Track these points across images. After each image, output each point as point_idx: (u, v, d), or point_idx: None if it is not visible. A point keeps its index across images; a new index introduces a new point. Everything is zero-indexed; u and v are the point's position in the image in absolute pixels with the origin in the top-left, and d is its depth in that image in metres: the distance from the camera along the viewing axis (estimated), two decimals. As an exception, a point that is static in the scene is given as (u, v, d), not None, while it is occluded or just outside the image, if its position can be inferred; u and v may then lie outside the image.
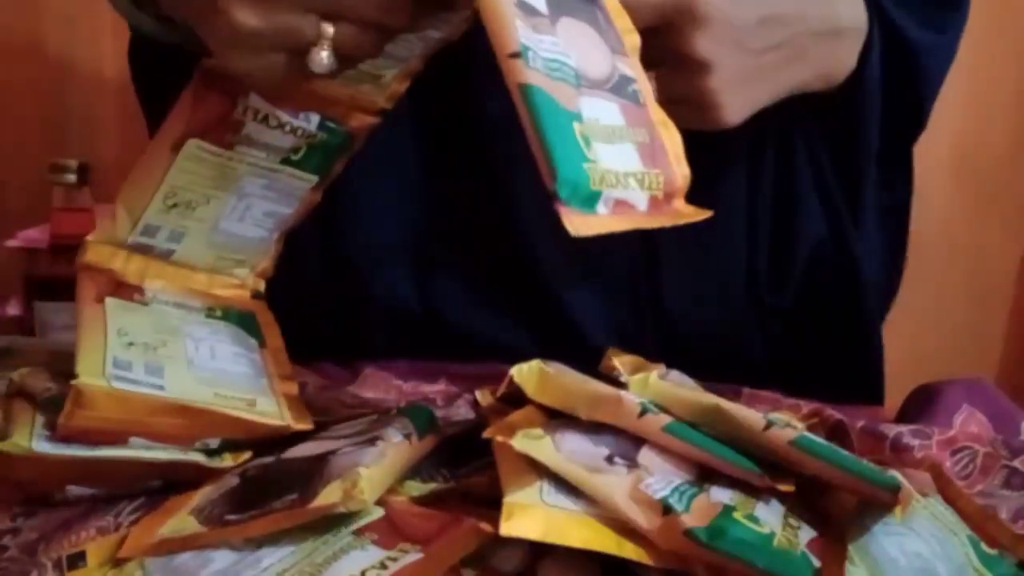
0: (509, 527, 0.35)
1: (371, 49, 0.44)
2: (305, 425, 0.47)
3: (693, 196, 0.48)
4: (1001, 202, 1.41)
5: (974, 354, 1.48)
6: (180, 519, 0.40)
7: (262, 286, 0.54)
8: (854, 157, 0.65)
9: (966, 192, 1.38)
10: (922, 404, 0.61)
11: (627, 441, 0.39)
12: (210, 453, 0.46)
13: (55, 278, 0.73)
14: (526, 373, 0.43)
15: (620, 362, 0.57)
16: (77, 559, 0.40)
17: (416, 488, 0.43)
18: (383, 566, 0.35)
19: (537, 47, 0.35)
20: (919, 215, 0.70)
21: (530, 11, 0.36)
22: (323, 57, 0.42)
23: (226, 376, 0.48)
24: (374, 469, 0.40)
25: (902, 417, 0.62)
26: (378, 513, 0.39)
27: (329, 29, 0.41)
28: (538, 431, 0.39)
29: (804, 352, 0.69)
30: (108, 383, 0.43)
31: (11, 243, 0.93)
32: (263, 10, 0.40)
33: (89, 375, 0.43)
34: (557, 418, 0.41)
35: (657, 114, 0.40)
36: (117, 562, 0.39)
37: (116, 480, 0.45)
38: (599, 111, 0.37)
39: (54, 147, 1.33)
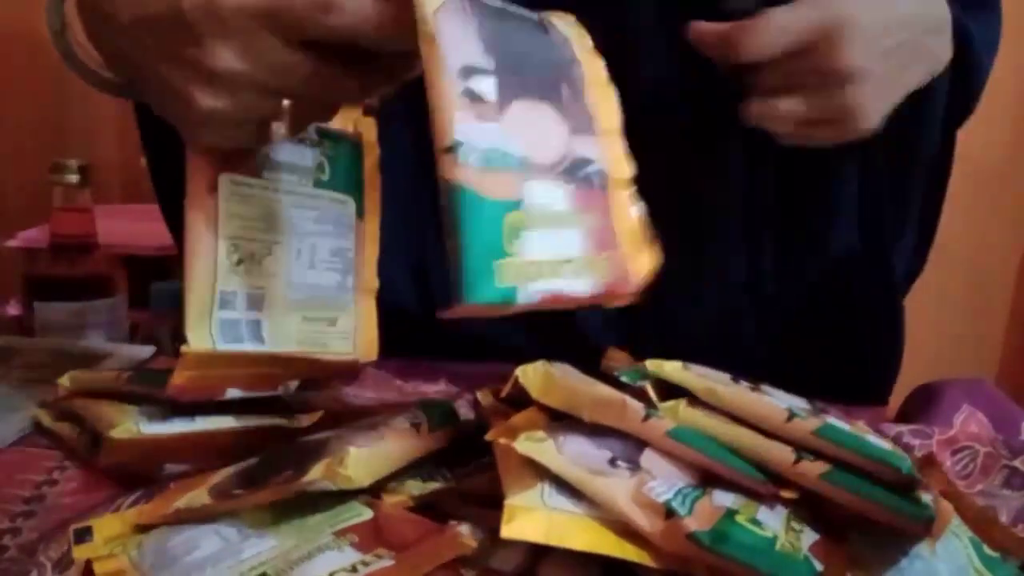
0: (510, 529, 0.35)
1: (325, 116, 0.46)
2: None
3: (691, 198, 0.49)
4: (1001, 202, 1.41)
5: (974, 354, 1.48)
6: (198, 493, 0.42)
7: (359, 356, 0.53)
8: (909, 163, 0.64)
9: (966, 192, 1.38)
10: (922, 404, 0.61)
11: (630, 444, 0.39)
12: (288, 413, 0.49)
13: (55, 278, 0.73)
14: (531, 374, 0.43)
15: (619, 361, 0.58)
16: (84, 534, 0.41)
17: (416, 488, 0.43)
18: (354, 569, 0.35)
19: (475, 139, 0.35)
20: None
21: (476, 98, 0.36)
22: (283, 129, 0.44)
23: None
24: (365, 450, 0.40)
25: (902, 417, 0.62)
26: (367, 515, 0.39)
27: (286, 103, 0.43)
28: (540, 434, 0.39)
29: (810, 353, 0.68)
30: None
31: (11, 243, 0.93)
32: (221, 94, 0.41)
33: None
34: (559, 420, 0.41)
35: (616, 198, 0.40)
36: (141, 528, 0.41)
37: (207, 453, 0.47)
38: (544, 197, 0.37)
39: (54, 147, 1.33)
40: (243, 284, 0.47)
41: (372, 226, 0.54)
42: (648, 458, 0.39)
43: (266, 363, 0.47)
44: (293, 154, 0.49)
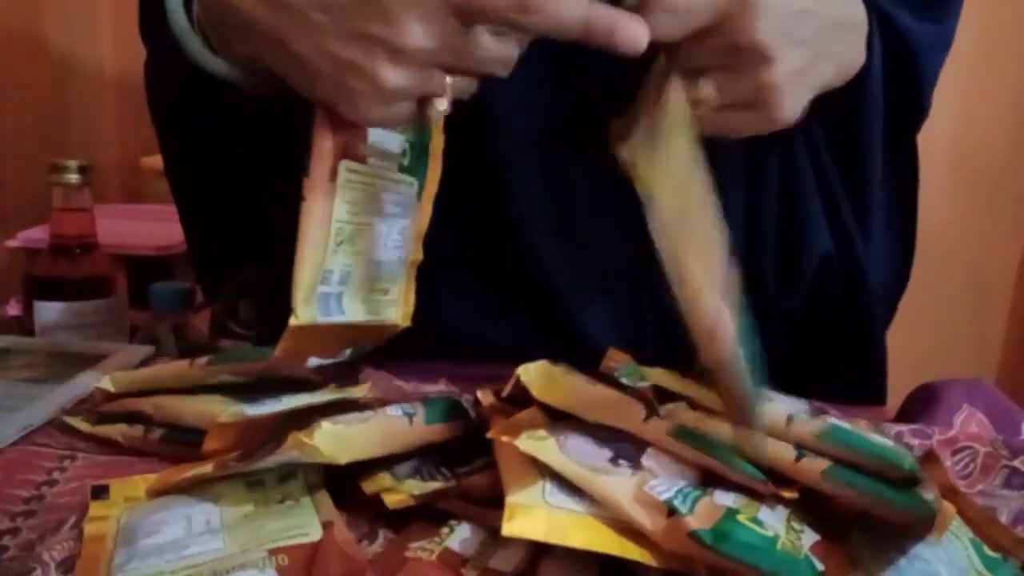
0: (511, 527, 0.35)
1: (475, 91, 0.48)
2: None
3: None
4: (1001, 202, 1.41)
5: (974, 354, 1.48)
6: (204, 466, 0.44)
7: (406, 322, 0.57)
8: (860, 162, 0.64)
9: (966, 192, 1.38)
10: (922, 404, 0.61)
11: (631, 444, 0.39)
12: (345, 383, 0.54)
13: (55, 278, 0.73)
14: (533, 373, 0.43)
15: (619, 362, 0.58)
16: (101, 491, 0.44)
17: (416, 487, 0.43)
18: None
19: None
20: (919, 215, 0.70)
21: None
22: (444, 105, 0.47)
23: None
24: (342, 427, 0.42)
25: (902, 417, 0.62)
26: (314, 535, 0.39)
27: (451, 80, 0.46)
28: (542, 432, 0.39)
29: (805, 354, 0.69)
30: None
31: (11, 243, 0.93)
32: (406, 70, 0.44)
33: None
34: (561, 419, 0.41)
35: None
36: (151, 494, 0.44)
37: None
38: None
39: (54, 147, 1.33)
40: (338, 263, 0.51)
41: (427, 205, 0.57)
42: (649, 458, 0.39)
43: (341, 332, 0.53)
44: (388, 140, 0.52)
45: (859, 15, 0.57)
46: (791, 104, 0.50)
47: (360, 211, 0.51)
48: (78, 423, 0.54)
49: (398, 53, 0.44)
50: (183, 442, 0.50)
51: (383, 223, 0.54)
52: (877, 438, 0.40)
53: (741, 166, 0.63)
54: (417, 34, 0.43)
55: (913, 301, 0.72)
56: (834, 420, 0.41)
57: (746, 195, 0.63)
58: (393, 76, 0.44)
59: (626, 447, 0.39)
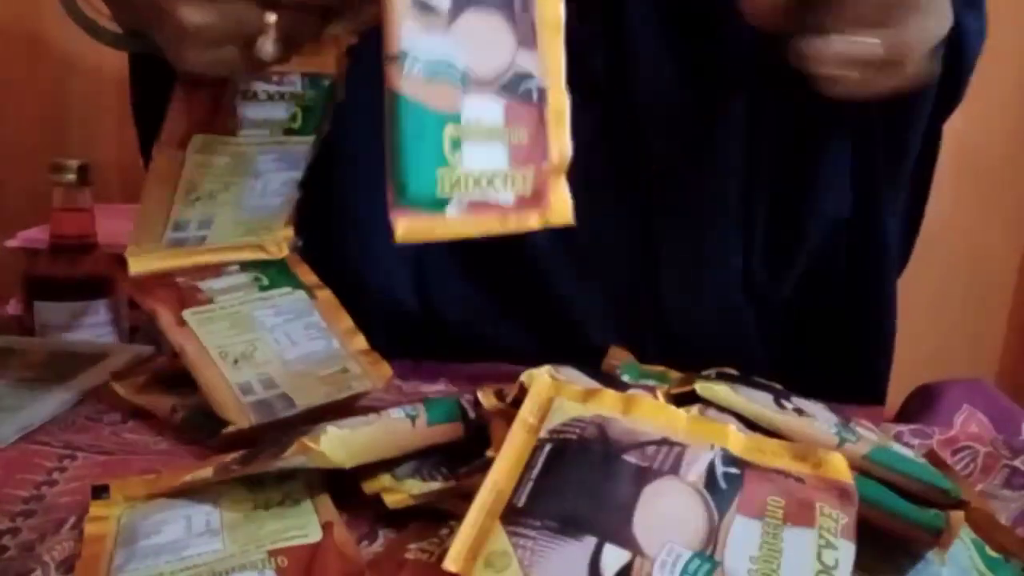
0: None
1: (313, 31, 0.45)
2: (387, 372, 0.57)
3: (690, 197, 0.48)
4: (1001, 202, 1.41)
5: (974, 354, 1.48)
6: (204, 469, 0.43)
7: (286, 250, 0.60)
8: (906, 133, 0.63)
9: (966, 192, 1.38)
10: (922, 404, 0.61)
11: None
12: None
13: (55, 278, 0.73)
14: (536, 379, 0.43)
15: (620, 360, 0.58)
16: (101, 491, 0.44)
17: (416, 487, 0.43)
18: None
19: (421, 50, 0.35)
20: (919, 215, 0.70)
21: (426, 9, 0.36)
22: (269, 45, 0.43)
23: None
24: (347, 431, 0.42)
25: (902, 417, 0.62)
26: (314, 537, 0.39)
27: (272, 17, 0.42)
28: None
29: (808, 351, 0.68)
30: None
31: (11, 243, 0.93)
32: (206, 5, 0.41)
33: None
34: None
35: (554, 106, 0.40)
36: (150, 497, 0.44)
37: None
38: (481, 112, 0.37)
39: (54, 147, 1.33)
40: (196, 213, 0.54)
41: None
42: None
43: (206, 255, 0.56)
44: (270, 110, 0.52)
45: None
46: (918, 62, 0.49)
47: (223, 173, 0.53)
48: (121, 387, 0.56)
49: None
50: (200, 428, 0.52)
51: (258, 180, 0.55)
52: (922, 461, 0.41)
53: (741, 114, 0.62)
54: None
55: (913, 301, 0.72)
56: (878, 441, 0.41)
57: (742, 186, 0.63)
58: (191, 13, 0.42)
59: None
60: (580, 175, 0.63)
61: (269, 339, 0.55)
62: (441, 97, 0.36)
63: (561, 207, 0.40)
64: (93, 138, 1.35)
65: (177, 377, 0.55)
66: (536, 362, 0.44)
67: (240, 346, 0.53)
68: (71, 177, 0.72)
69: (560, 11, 0.40)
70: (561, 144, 0.40)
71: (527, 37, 0.39)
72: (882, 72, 0.47)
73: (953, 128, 0.69)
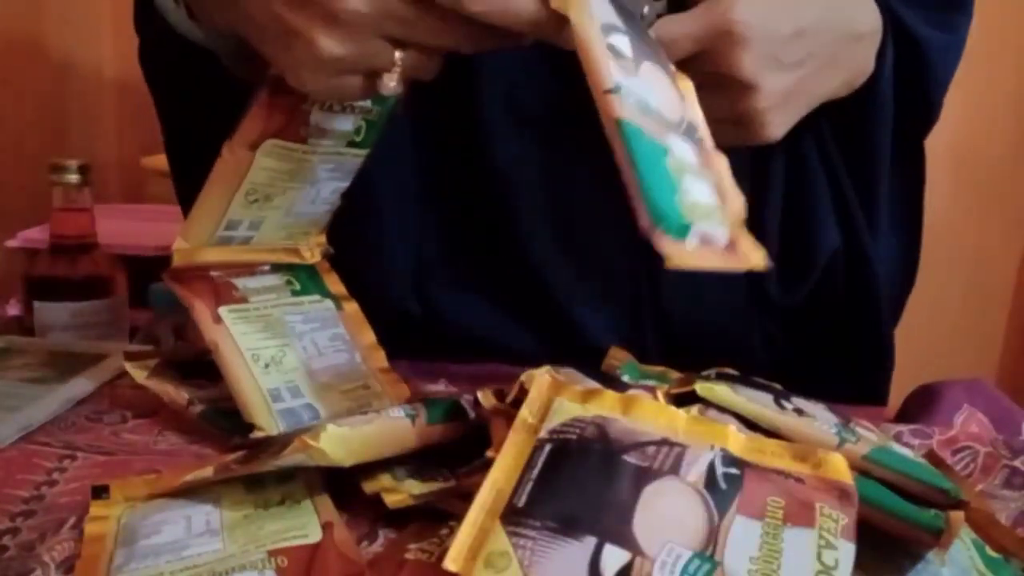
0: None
1: (434, 71, 0.46)
2: (405, 393, 0.57)
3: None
4: (1001, 202, 1.41)
5: (974, 354, 1.48)
6: (204, 470, 0.43)
7: (318, 256, 0.60)
8: (869, 161, 0.64)
9: (966, 192, 1.38)
10: (922, 404, 0.61)
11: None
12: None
13: (55, 278, 0.73)
14: (536, 379, 0.43)
15: (620, 361, 0.57)
16: (101, 491, 0.44)
17: (416, 487, 0.43)
18: None
19: (628, 86, 0.37)
20: (919, 215, 0.70)
21: (618, 54, 0.38)
22: (393, 81, 0.45)
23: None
24: (346, 429, 0.42)
25: (902, 417, 0.62)
26: (314, 537, 0.39)
27: (399, 55, 0.44)
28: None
29: (809, 353, 0.69)
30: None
31: (11, 243, 0.93)
32: (344, 38, 0.43)
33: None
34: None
35: (719, 162, 0.41)
36: (150, 497, 0.44)
37: None
38: (680, 150, 0.38)
39: (54, 147, 1.33)
40: (249, 214, 0.54)
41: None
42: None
43: (245, 254, 0.57)
44: (340, 122, 0.53)
45: (872, 23, 0.56)
46: (778, 124, 0.51)
47: (284, 179, 0.54)
48: (134, 369, 0.56)
49: (334, 19, 0.42)
50: (218, 426, 0.53)
51: (313, 187, 0.56)
52: (922, 461, 0.41)
53: (746, 161, 0.63)
54: (354, 1, 0.42)
55: (913, 301, 0.72)
56: (878, 441, 0.41)
57: (750, 190, 0.63)
58: (330, 44, 0.43)
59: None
60: (582, 179, 0.64)
61: (298, 346, 0.55)
62: (655, 129, 0.37)
63: (756, 254, 0.39)
64: (93, 138, 1.35)
65: (189, 365, 0.56)
66: (536, 362, 0.44)
67: (271, 350, 0.54)
68: (71, 177, 0.72)
69: (690, 83, 0.43)
70: (738, 196, 0.40)
71: (680, 95, 0.41)
72: (723, 128, 0.48)
73: (953, 128, 0.70)
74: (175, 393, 0.55)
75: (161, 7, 0.52)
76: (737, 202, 0.40)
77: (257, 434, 0.50)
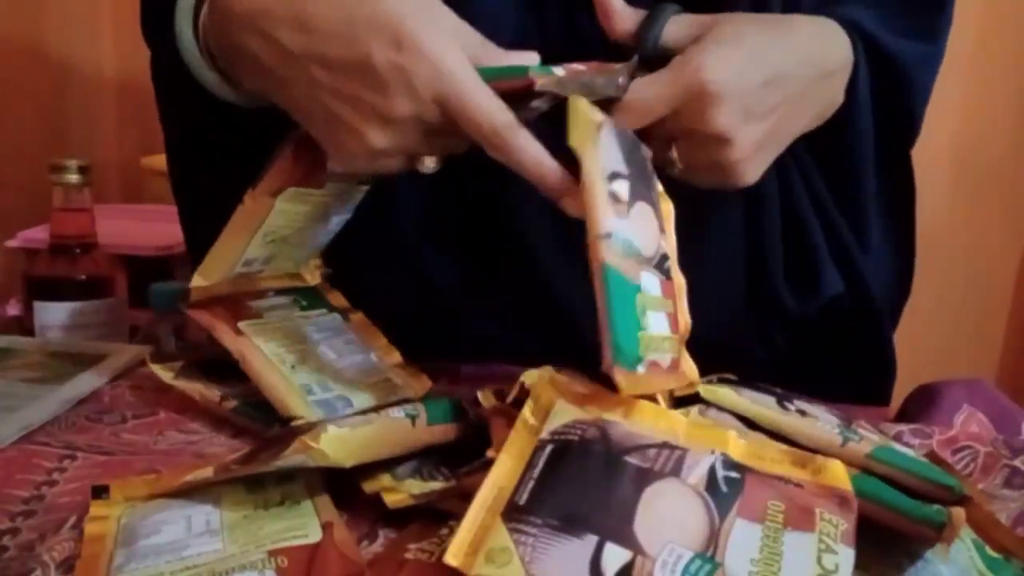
0: None
1: (464, 147, 0.50)
2: (426, 384, 0.59)
3: (689, 209, 0.49)
4: (1001, 202, 1.41)
5: (974, 354, 1.48)
6: (204, 470, 0.44)
7: (319, 278, 0.63)
8: (852, 181, 0.65)
9: (966, 192, 1.38)
10: (922, 404, 0.61)
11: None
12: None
13: (55, 278, 0.73)
14: (536, 379, 0.43)
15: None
16: (101, 491, 0.44)
17: (416, 487, 0.43)
18: None
19: (617, 230, 0.42)
20: (919, 215, 0.70)
21: (616, 199, 0.43)
22: (432, 163, 0.49)
23: (359, 369, 0.58)
24: (347, 430, 0.42)
25: (902, 417, 0.62)
26: (313, 537, 0.39)
27: (439, 140, 0.48)
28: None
29: (810, 357, 0.69)
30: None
31: (11, 243, 0.93)
32: (393, 132, 0.46)
33: (300, 411, 0.52)
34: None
35: (677, 283, 0.47)
36: (150, 497, 0.44)
37: None
38: (649, 284, 0.43)
39: (54, 147, 1.33)
40: (264, 252, 0.57)
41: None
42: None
43: (251, 283, 0.59)
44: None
45: (842, 54, 0.57)
46: (753, 170, 0.53)
47: (300, 220, 0.57)
48: (161, 371, 0.58)
49: (387, 120, 0.46)
50: (253, 418, 0.54)
51: (326, 223, 0.59)
52: (925, 460, 0.41)
53: (739, 203, 0.63)
54: (405, 108, 0.45)
55: (913, 301, 0.72)
56: (880, 440, 0.42)
57: (744, 214, 0.64)
58: (381, 138, 0.46)
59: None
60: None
61: (317, 350, 0.57)
62: (631, 269, 0.42)
63: (692, 370, 0.46)
64: (93, 138, 1.35)
65: (214, 364, 0.57)
66: (536, 362, 0.44)
67: (294, 354, 0.56)
68: (71, 177, 0.72)
69: (670, 206, 0.48)
70: (685, 317, 0.46)
71: (660, 224, 0.46)
72: (700, 175, 0.52)
73: (953, 128, 0.69)
74: (207, 391, 0.56)
75: (200, 77, 0.54)
76: (683, 323, 0.46)
77: (298, 423, 0.51)
